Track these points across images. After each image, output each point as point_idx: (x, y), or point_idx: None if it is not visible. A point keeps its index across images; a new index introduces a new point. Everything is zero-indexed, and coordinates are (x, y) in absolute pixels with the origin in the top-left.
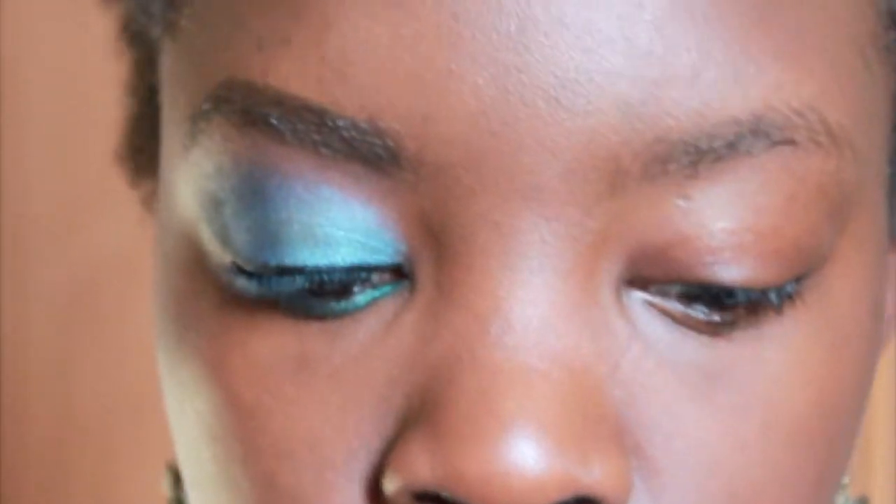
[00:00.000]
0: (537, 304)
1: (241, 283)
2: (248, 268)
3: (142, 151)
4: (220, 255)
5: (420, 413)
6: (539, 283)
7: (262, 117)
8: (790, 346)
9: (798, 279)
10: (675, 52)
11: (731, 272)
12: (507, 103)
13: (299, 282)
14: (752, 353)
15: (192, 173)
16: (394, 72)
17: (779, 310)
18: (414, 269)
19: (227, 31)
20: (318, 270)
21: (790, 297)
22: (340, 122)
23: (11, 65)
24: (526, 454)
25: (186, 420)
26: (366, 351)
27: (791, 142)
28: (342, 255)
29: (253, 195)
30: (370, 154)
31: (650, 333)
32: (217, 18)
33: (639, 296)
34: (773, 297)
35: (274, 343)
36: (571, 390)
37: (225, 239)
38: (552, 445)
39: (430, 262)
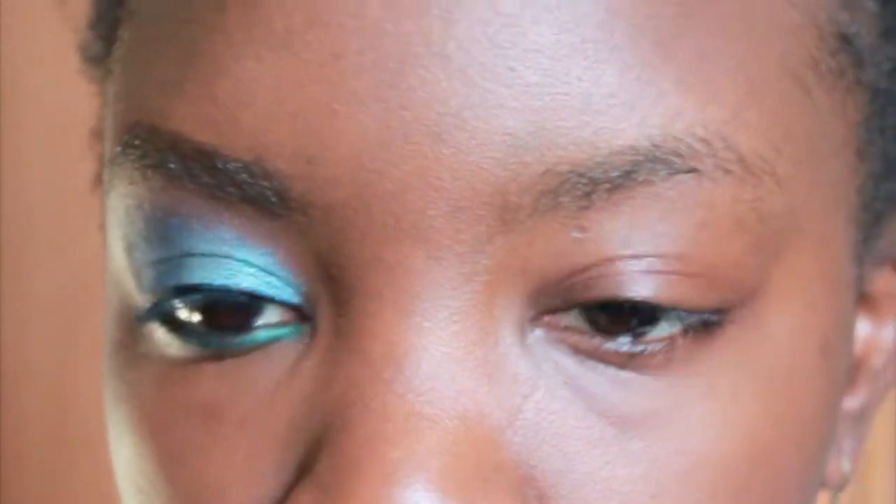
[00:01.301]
0: (430, 347)
1: (153, 328)
2: (154, 299)
3: None
4: (137, 300)
5: (313, 461)
6: (432, 325)
7: (162, 161)
8: (714, 387)
9: (720, 311)
10: (564, 80)
11: (637, 288)
12: (390, 141)
13: (197, 300)
14: (670, 394)
15: (111, 219)
16: (279, 113)
17: (696, 340)
18: (315, 311)
19: (138, 75)
20: (215, 289)
21: (710, 327)
22: (231, 166)
23: (11, 66)
24: None
25: (118, 467)
26: (270, 397)
27: (693, 170)
28: (240, 280)
29: (156, 236)
30: (260, 197)
31: (557, 374)
32: (133, 62)
33: (545, 333)
34: (690, 323)
35: (185, 392)
36: (463, 438)
37: (139, 282)
38: (438, 497)
39: (329, 304)
